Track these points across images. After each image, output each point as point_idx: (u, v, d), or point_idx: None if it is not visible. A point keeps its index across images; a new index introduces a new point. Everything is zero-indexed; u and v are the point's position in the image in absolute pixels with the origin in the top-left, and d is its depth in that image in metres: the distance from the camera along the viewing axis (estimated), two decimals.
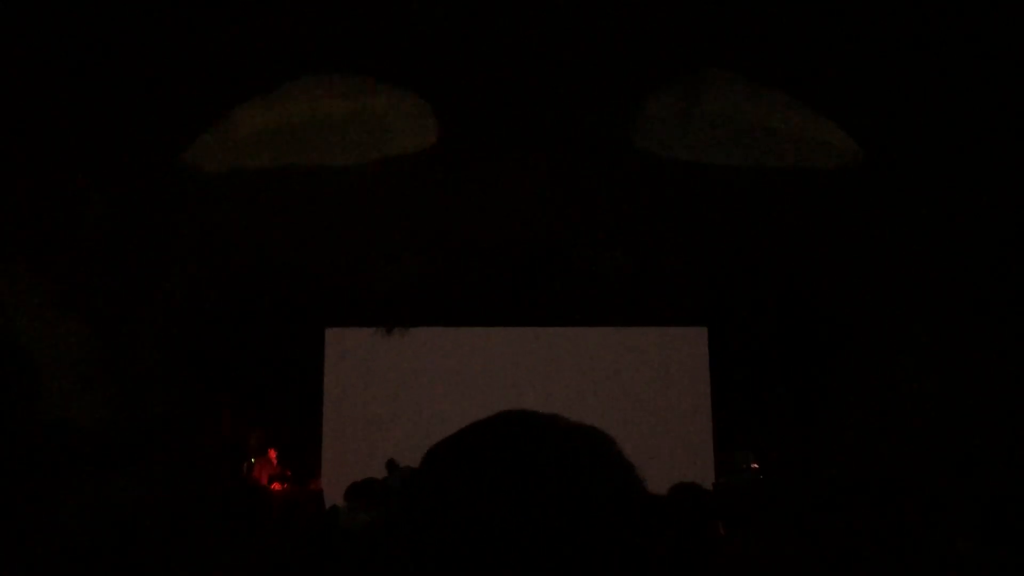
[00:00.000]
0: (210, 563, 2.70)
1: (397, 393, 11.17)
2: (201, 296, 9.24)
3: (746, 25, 7.32)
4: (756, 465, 9.79)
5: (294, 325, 10.52)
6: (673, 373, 11.17)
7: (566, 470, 0.91)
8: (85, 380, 7.71)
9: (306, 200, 9.01)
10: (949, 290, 8.22)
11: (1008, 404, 7.70)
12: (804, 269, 9.36)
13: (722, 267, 9.77)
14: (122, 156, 7.71)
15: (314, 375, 11.17)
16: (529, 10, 7.15)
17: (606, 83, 7.91)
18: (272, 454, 10.27)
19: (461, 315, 10.84)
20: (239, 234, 9.25)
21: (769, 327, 10.00)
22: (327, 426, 11.18)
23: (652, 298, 10.28)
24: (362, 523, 5.47)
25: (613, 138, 8.40)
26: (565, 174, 8.71)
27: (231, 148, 8.64)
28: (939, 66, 7.28)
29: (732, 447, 10.22)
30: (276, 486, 9.85)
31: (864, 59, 7.46)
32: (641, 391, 11.11)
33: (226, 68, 7.56)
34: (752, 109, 8.34)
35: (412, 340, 11.15)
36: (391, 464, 6.93)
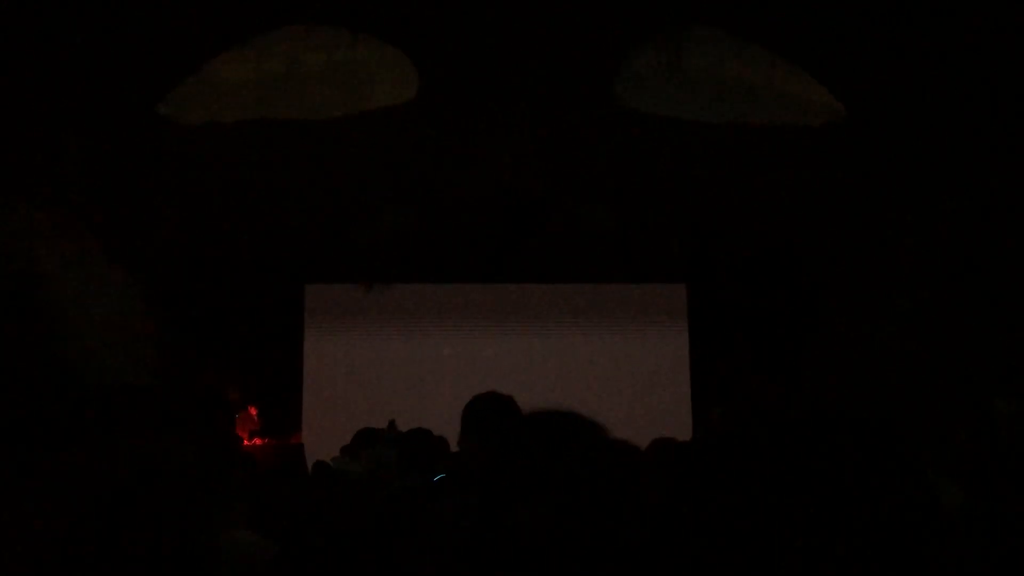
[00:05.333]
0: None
1: (377, 349, 11.18)
2: (180, 251, 9.16)
3: None
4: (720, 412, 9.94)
5: (273, 281, 10.47)
6: (651, 330, 11.23)
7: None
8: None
9: (284, 155, 8.92)
10: (929, 247, 8.30)
11: (987, 359, 7.83)
12: (783, 226, 9.41)
13: (701, 223, 9.79)
14: (101, 108, 7.59)
15: (294, 331, 11.15)
16: None
17: (588, 38, 7.84)
18: (253, 411, 10.29)
19: (441, 271, 10.83)
20: (216, 189, 9.16)
21: (748, 284, 10.07)
22: (307, 381, 11.18)
23: (631, 254, 10.30)
24: (354, 473, 5.51)
25: (594, 93, 8.35)
26: (546, 129, 8.67)
27: (208, 100, 8.52)
28: (922, 22, 7.28)
29: (709, 404, 10.35)
30: (257, 441, 9.91)
31: (846, 15, 7.43)
32: (620, 347, 11.17)
33: (206, 18, 7.43)
34: (734, 65, 8.32)
35: (392, 296, 11.13)
36: (391, 425, 7.01)
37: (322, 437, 9.47)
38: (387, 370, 11.08)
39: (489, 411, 2.65)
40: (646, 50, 8.17)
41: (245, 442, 9.68)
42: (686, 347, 11.18)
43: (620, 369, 11.03)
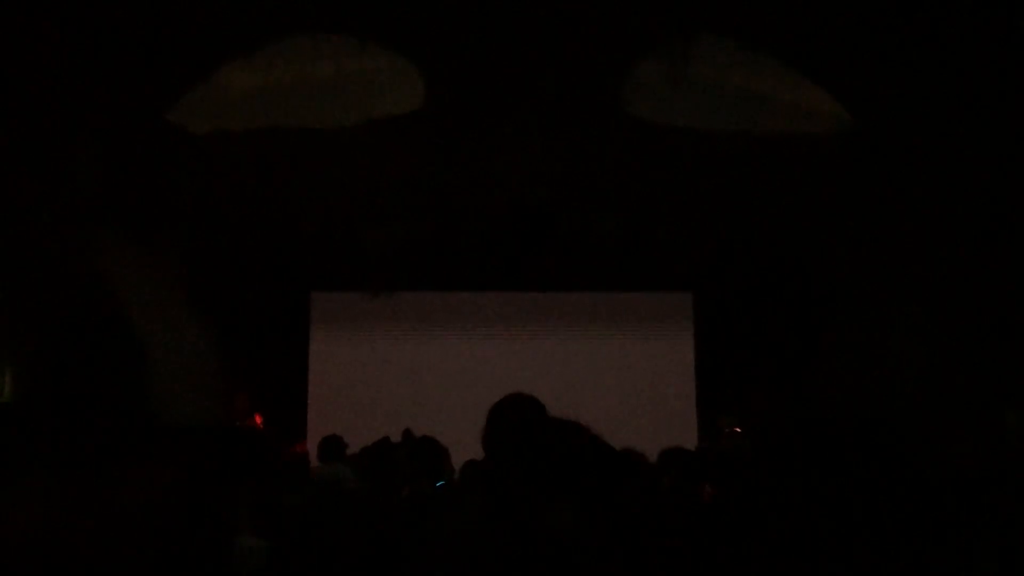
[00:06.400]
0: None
1: (383, 357, 11.18)
2: (187, 260, 9.19)
3: None
4: (739, 429, 9.92)
5: (280, 289, 10.49)
6: (658, 338, 11.23)
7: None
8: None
9: (293, 163, 8.95)
10: (938, 256, 8.29)
11: (995, 367, 7.81)
12: (791, 234, 9.41)
13: (707, 232, 9.80)
14: (110, 116, 7.63)
15: (300, 339, 11.16)
16: None
17: (597, 47, 7.86)
18: (258, 419, 10.29)
19: (448, 280, 10.83)
20: (224, 196, 9.19)
21: (755, 293, 10.06)
22: (313, 389, 11.19)
23: (638, 263, 10.31)
24: (338, 478, 5.53)
25: (603, 102, 8.37)
26: (554, 138, 8.69)
27: (216, 109, 8.56)
28: (930, 32, 7.29)
29: (715, 412, 10.33)
30: None
31: (855, 24, 7.44)
32: (626, 355, 11.17)
33: (214, 26, 7.47)
34: (742, 74, 8.34)
35: (399, 304, 11.14)
36: (407, 433, 7.06)
37: None
38: (393, 378, 11.08)
39: (515, 413, 2.62)
40: (654, 59, 8.19)
41: None
42: (692, 355, 11.18)
43: (626, 376, 11.03)
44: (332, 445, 6.84)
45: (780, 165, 8.77)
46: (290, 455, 10.01)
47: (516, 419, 2.50)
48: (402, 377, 11.10)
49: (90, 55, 7.25)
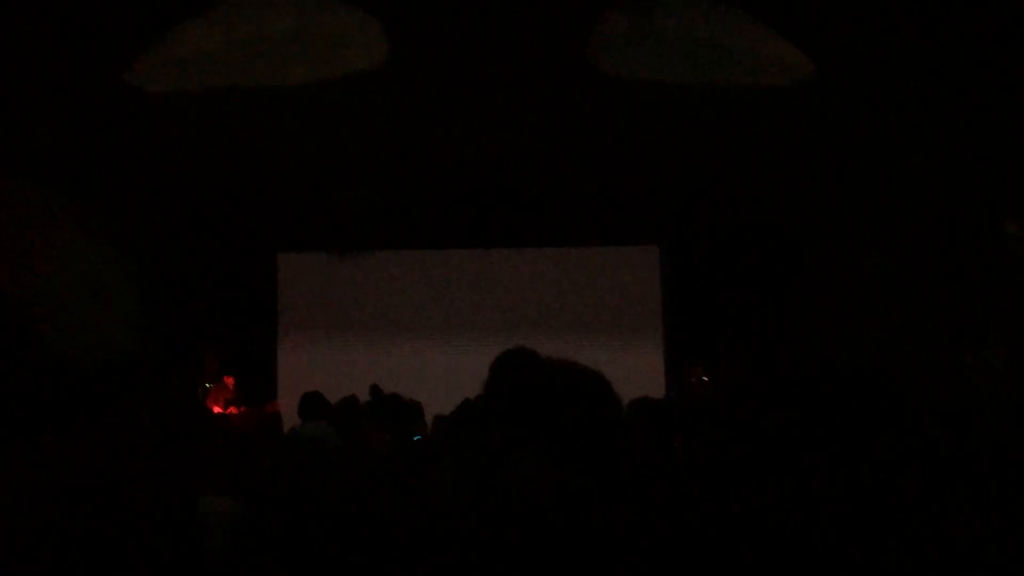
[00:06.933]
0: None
1: (352, 317, 11.18)
2: (152, 220, 9.07)
3: None
4: (706, 379, 10.08)
5: (246, 250, 10.41)
6: (625, 291, 11.32)
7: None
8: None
9: (255, 122, 8.81)
10: (904, 203, 8.41)
11: (955, 310, 7.99)
12: (756, 185, 9.48)
13: (673, 184, 9.83)
14: (68, 76, 7.45)
15: (268, 300, 11.12)
16: None
17: (562, 1, 7.79)
18: (229, 380, 10.27)
19: (415, 238, 10.80)
20: (186, 157, 9.04)
21: (721, 244, 10.15)
22: (282, 349, 11.18)
23: (605, 217, 10.34)
24: (319, 436, 5.55)
25: (569, 57, 8.32)
26: (520, 94, 8.63)
27: (174, 68, 8.38)
28: None
29: (684, 363, 10.48)
30: (233, 410, 9.90)
31: None
32: (594, 310, 11.26)
33: None
34: (706, 26, 8.31)
35: (366, 264, 11.11)
36: (374, 389, 7.03)
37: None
38: (361, 337, 11.10)
39: (510, 366, 2.62)
40: (618, 13, 8.14)
41: (222, 411, 9.69)
42: (659, 307, 11.29)
43: (594, 329, 11.12)
44: (313, 402, 6.73)
45: (745, 117, 8.80)
46: (262, 415, 10.04)
47: (509, 375, 2.51)
48: (370, 336, 11.12)
49: (43, 15, 7.06)
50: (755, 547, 1.12)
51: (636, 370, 10.77)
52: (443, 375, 9.65)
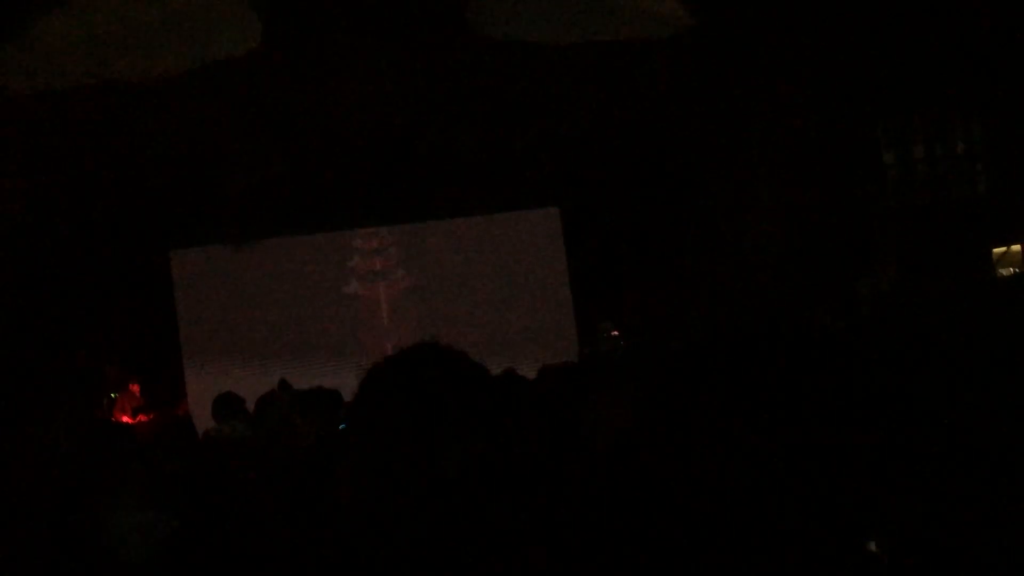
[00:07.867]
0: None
1: (254, 308, 10.90)
2: (32, 226, 8.64)
3: None
4: (616, 332, 10.25)
5: (137, 252, 10.03)
6: (530, 255, 11.34)
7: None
8: None
9: (129, 118, 8.45)
10: (788, 143, 8.63)
11: (847, 243, 8.28)
12: (649, 137, 9.58)
13: (566, 144, 9.85)
14: None
15: (166, 299, 10.76)
16: None
17: None
18: (135, 387, 9.93)
19: (309, 221, 10.57)
20: (58, 161, 8.63)
21: (619, 198, 10.25)
22: (186, 349, 10.86)
23: (504, 184, 10.31)
24: (239, 435, 5.41)
25: (448, 21, 8.21)
26: (400, 62, 8.50)
27: (35, 67, 7.95)
28: None
29: (594, 319, 10.62)
30: (142, 417, 9.58)
31: None
32: (502, 276, 11.25)
33: None
34: None
35: (262, 252, 10.83)
36: (283, 383, 6.84)
37: (209, 404, 9.25)
38: (266, 327, 10.86)
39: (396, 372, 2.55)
40: None
41: (131, 420, 9.37)
42: (564, 268, 11.36)
43: (504, 296, 11.14)
44: (227, 402, 6.55)
45: (630, 70, 8.86)
46: (172, 419, 9.75)
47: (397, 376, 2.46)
48: (274, 326, 10.88)
49: None
50: (675, 513, 1.12)
51: (549, 332, 10.85)
52: (356, 359, 9.52)
